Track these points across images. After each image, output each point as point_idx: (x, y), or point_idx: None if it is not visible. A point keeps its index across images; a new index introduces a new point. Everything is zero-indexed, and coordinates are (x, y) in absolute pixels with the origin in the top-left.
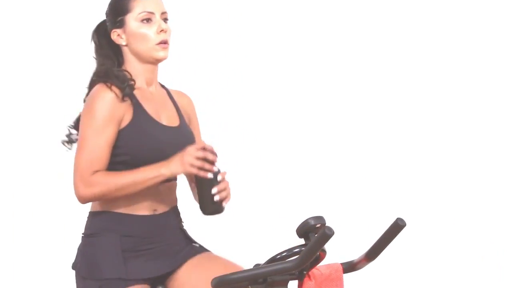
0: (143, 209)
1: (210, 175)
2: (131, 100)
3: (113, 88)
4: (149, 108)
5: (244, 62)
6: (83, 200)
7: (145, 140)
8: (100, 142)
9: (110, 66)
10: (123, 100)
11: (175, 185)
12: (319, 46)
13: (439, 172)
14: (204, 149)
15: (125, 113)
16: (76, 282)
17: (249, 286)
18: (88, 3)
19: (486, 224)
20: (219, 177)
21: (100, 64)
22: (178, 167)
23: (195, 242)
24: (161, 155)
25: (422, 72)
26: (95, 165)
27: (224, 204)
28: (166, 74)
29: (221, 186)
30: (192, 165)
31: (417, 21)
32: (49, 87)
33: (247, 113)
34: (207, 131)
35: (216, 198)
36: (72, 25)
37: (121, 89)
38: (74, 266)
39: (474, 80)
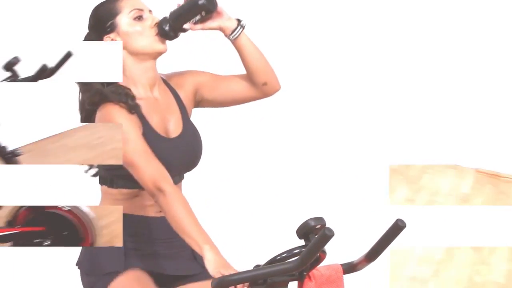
0: (147, 211)
1: None
2: (137, 114)
3: (120, 103)
4: (154, 121)
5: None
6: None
7: None
8: (147, 149)
9: (99, 87)
10: (131, 112)
11: (180, 187)
12: (318, 45)
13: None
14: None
15: (139, 126)
16: (81, 279)
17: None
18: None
19: (487, 225)
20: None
21: (87, 90)
22: (212, 267)
23: (199, 262)
24: (167, 168)
25: (423, 73)
26: (162, 174)
27: None
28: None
29: None
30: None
31: (417, 21)
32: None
33: (247, 113)
34: (207, 132)
35: None
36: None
37: (124, 103)
38: (78, 264)
39: (474, 80)
